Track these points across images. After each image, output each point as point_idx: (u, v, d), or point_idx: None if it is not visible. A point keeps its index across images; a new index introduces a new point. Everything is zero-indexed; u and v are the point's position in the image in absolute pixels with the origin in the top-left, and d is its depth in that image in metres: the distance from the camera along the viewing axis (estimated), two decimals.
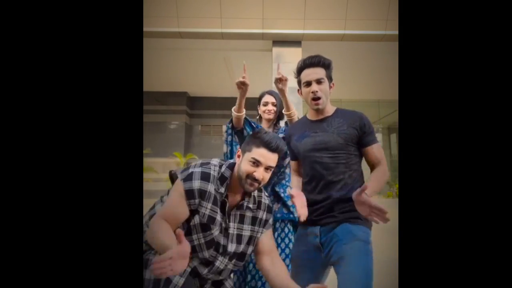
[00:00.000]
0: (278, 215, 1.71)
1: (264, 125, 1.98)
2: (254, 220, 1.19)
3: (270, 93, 1.97)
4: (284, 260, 1.58)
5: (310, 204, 1.27)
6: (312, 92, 1.31)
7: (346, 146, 1.27)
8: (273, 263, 1.16)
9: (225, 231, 1.13)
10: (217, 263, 1.12)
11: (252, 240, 1.18)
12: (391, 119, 8.94)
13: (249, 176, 1.09)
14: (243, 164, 1.11)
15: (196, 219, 1.06)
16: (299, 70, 1.38)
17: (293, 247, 1.34)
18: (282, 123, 1.97)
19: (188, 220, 1.06)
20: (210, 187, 1.09)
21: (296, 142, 1.37)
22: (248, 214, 1.18)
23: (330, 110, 1.38)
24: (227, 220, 1.13)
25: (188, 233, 1.06)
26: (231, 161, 1.18)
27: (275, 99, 1.94)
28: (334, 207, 1.22)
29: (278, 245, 1.65)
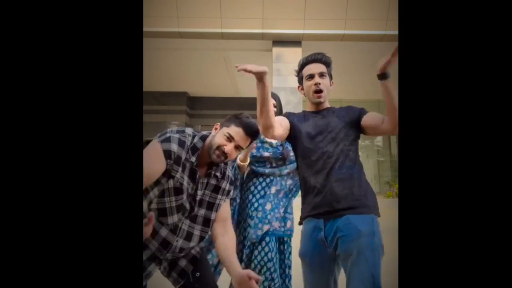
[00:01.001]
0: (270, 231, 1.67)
1: None
2: (217, 189, 1.27)
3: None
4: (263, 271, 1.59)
5: (311, 192, 1.28)
6: (315, 84, 1.35)
7: (344, 127, 1.31)
8: (226, 231, 1.27)
9: (191, 197, 1.21)
10: (183, 226, 1.21)
11: (214, 206, 1.27)
12: None
13: (219, 148, 1.16)
14: (218, 136, 1.19)
15: (170, 183, 1.13)
16: (301, 66, 1.41)
17: (301, 245, 1.31)
18: None
19: (156, 183, 1.13)
20: (184, 155, 1.16)
21: (297, 122, 1.38)
22: (213, 182, 1.26)
23: (327, 105, 1.42)
24: (196, 188, 1.21)
25: (161, 195, 1.14)
26: (204, 132, 1.25)
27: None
28: (334, 197, 1.20)
29: (261, 260, 1.63)
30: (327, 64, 1.41)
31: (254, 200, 1.73)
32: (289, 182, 1.83)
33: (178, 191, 1.16)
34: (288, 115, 1.45)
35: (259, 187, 1.79)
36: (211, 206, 1.26)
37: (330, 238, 1.19)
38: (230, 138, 1.18)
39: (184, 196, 1.17)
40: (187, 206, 1.20)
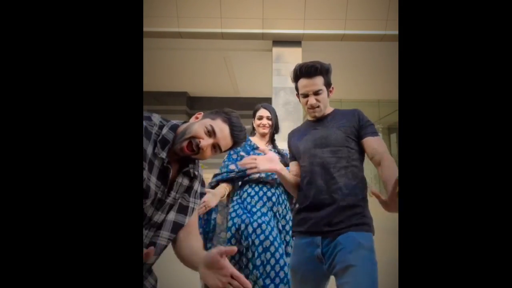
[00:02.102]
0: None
1: (258, 140, 1.91)
2: (189, 190, 1.05)
3: (265, 107, 1.92)
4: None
5: (310, 209, 1.23)
6: (310, 105, 1.29)
7: (346, 140, 1.25)
8: (190, 234, 1.03)
9: (158, 202, 0.95)
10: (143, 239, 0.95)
11: (188, 211, 1.03)
12: (391, 119, 8.94)
13: (194, 139, 0.95)
14: (197, 125, 0.98)
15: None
16: (295, 78, 1.34)
17: (292, 258, 1.29)
18: (279, 143, 1.95)
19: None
20: (150, 149, 0.92)
21: (297, 141, 1.36)
22: (185, 183, 1.03)
23: (328, 111, 1.37)
24: (169, 189, 0.97)
25: None
26: (174, 122, 1.04)
27: (270, 114, 1.90)
28: (335, 216, 1.17)
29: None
30: (324, 73, 1.30)
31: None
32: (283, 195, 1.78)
33: (145, 193, 0.90)
34: (290, 137, 1.43)
35: (256, 197, 1.71)
36: (184, 209, 1.02)
37: (328, 255, 1.17)
38: (211, 133, 0.97)
39: (148, 202, 0.91)
40: (150, 212, 0.94)
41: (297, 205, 1.34)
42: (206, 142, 0.96)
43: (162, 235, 0.96)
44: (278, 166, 1.32)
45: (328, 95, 1.35)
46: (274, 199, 1.73)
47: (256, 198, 1.71)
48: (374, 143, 1.23)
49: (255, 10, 4.90)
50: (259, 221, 1.62)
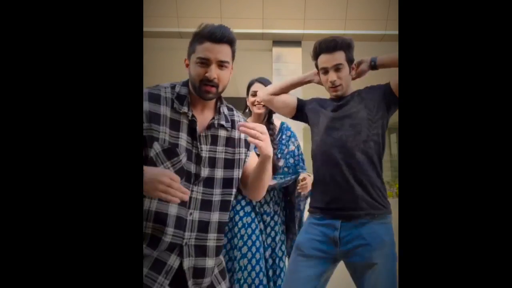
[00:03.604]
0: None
1: (253, 120, 1.63)
2: (230, 141, 1.02)
3: (260, 80, 1.64)
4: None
5: (324, 186, 1.20)
6: (330, 82, 1.23)
7: (369, 120, 1.22)
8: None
9: (196, 157, 0.96)
10: (195, 195, 0.94)
11: (236, 163, 1.02)
12: (391, 119, 8.91)
13: (202, 81, 0.93)
14: (192, 69, 0.96)
15: (157, 146, 0.90)
16: (315, 55, 1.27)
17: (302, 234, 1.24)
18: (276, 121, 1.68)
19: (146, 155, 0.90)
20: (164, 110, 0.93)
21: (315, 111, 1.29)
22: (222, 134, 1.01)
23: (350, 90, 1.31)
24: (199, 143, 0.96)
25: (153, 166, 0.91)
26: (184, 80, 1.04)
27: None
28: (351, 197, 1.14)
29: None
30: (345, 48, 1.24)
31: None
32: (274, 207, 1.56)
33: (170, 152, 0.91)
34: (310, 101, 1.34)
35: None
36: (231, 163, 1.01)
37: (345, 240, 1.14)
38: (204, 60, 0.93)
39: (182, 157, 0.92)
40: (192, 168, 0.94)
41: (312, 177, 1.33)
42: (210, 71, 0.93)
43: (215, 193, 0.98)
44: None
45: (350, 72, 1.28)
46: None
47: (239, 196, 1.55)
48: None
49: (255, 10, 4.90)
50: (240, 224, 1.50)
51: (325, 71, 1.25)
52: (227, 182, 1.00)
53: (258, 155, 0.98)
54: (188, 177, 0.94)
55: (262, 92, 1.42)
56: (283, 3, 4.84)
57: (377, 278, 1.08)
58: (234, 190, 1.03)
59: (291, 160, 1.62)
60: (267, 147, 0.91)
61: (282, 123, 1.68)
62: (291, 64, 4.91)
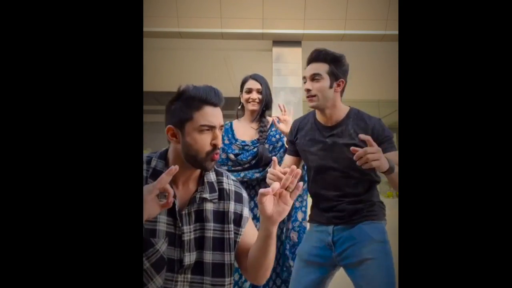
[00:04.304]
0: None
1: (246, 117, 1.62)
2: (219, 216, 0.87)
3: (255, 77, 1.60)
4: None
5: (321, 200, 1.24)
6: (305, 90, 1.20)
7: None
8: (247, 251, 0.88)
9: (178, 239, 0.84)
10: (180, 286, 0.82)
11: (226, 244, 0.86)
12: (391, 119, 8.92)
13: (209, 149, 0.84)
14: (191, 139, 0.83)
15: None
16: (306, 64, 1.27)
17: (302, 244, 1.29)
18: (269, 119, 1.64)
19: None
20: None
21: (303, 145, 1.25)
22: (209, 207, 0.87)
23: (340, 113, 1.22)
24: (180, 224, 0.84)
25: None
26: (159, 151, 0.92)
27: (261, 85, 1.58)
28: (346, 207, 1.18)
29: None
30: (329, 61, 1.20)
31: None
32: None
33: (144, 244, 0.79)
34: (296, 129, 1.30)
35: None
36: (220, 244, 0.86)
37: (338, 243, 1.18)
38: (209, 128, 0.84)
39: (162, 244, 0.81)
40: (176, 254, 0.83)
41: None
42: (217, 139, 0.84)
43: (205, 281, 0.84)
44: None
45: (332, 87, 1.20)
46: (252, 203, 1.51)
47: None
48: (393, 159, 1.09)
49: (255, 10, 4.90)
50: None
51: (305, 80, 1.24)
52: (218, 270, 0.85)
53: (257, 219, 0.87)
54: (170, 266, 0.82)
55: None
56: (283, 3, 4.84)
57: (368, 273, 1.11)
58: (227, 281, 0.85)
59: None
60: (269, 209, 0.75)
61: (273, 118, 1.64)
62: (291, 64, 4.91)
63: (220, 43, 5.30)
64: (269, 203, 0.76)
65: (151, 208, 0.74)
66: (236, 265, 0.91)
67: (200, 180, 0.90)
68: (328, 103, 1.20)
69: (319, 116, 1.27)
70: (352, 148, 0.94)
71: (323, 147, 1.22)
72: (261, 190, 0.74)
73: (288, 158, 1.36)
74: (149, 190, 0.74)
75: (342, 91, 1.25)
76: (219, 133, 0.86)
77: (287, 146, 1.43)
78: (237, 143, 1.56)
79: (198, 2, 4.81)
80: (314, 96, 1.20)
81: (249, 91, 1.58)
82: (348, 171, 1.18)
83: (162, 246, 0.82)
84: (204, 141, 0.84)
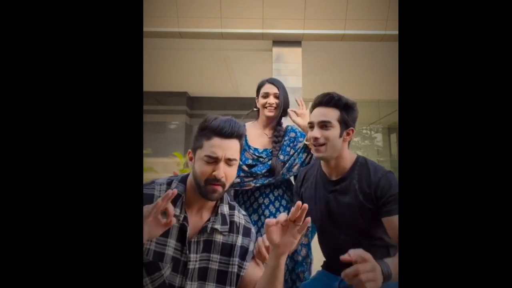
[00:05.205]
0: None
1: (261, 122, 1.55)
2: (226, 248, 0.89)
3: (272, 81, 1.52)
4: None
5: (329, 258, 1.18)
6: (312, 137, 1.08)
7: (361, 217, 1.05)
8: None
9: (183, 266, 0.84)
10: None
11: (229, 277, 0.87)
12: (391, 119, 8.92)
13: (208, 179, 0.85)
14: (197, 165, 0.87)
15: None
16: (312, 108, 1.15)
17: (310, 281, 1.25)
18: (284, 123, 1.58)
19: None
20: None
21: (308, 200, 1.17)
22: (218, 239, 0.89)
23: (346, 163, 1.11)
24: (187, 251, 0.85)
25: None
26: (183, 174, 0.95)
27: (278, 89, 1.49)
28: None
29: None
30: (341, 107, 1.07)
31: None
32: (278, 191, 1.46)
33: (151, 267, 0.80)
34: (303, 179, 1.22)
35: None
36: (224, 277, 0.86)
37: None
38: (211, 159, 0.85)
39: (167, 270, 0.82)
40: (177, 281, 0.83)
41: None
42: (218, 170, 0.85)
43: None
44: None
45: (342, 136, 1.07)
46: (260, 211, 1.45)
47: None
48: (392, 226, 0.99)
49: (255, 10, 4.90)
50: None
51: (311, 126, 1.10)
52: None
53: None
54: None
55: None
56: (283, 3, 4.84)
57: None
58: None
59: (304, 156, 1.51)
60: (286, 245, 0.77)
61: (287, 126, 1.58)
62: (291, 64, 4.91)
63: (220, 43, 5.30)
64: (275, 233, 0.78)
65: (152, 228, 0.75)
66: None
67: (214, 211, 0.92)
68: (335, 153, 1.09)
69: (324, 167, 1.16)
70: (341, 257, 0.79)
71: (325, 205, 1.12)
72: (267, 220, 0.76)
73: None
74: (148, 212, 0.75)
75: (350, 140, 1.13)
76: (221, 165, 0.85)
77: (301, 158, 1.39)
78: (250, 151, 1.49)
79: (198, 2, 4.81)
80: (323, 145, 1.07)
81: (266, 95, 1.50)
82: (354, 235, 1.06)
83: (167, 271, 0.83)
84: (204, 170, 0.85)
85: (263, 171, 1.44)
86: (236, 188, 1.46)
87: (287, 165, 1.48)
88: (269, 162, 1.44)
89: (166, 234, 0.84)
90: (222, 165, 0.85)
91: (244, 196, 1.50)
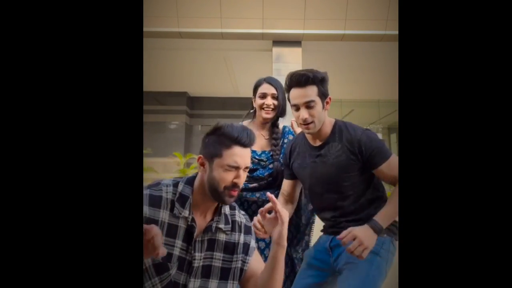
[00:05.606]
0: None
1: (257, 124, 1.49)
2: (229, 246, 0.93)
3: (269, 81, 1.46)
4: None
5: (321, 219, 1.28)
6: (301, 119, 1.14)
7: (347, 176, 1.14)
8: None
9: (187, 265, 0.88)
10: None
11: (232, 273, 0.92)
12: (391, 119, 8.93)
13: (227, 186, 0.88)
14: (217, 173, 0.88)
15: (148, 260, 0.83)
16: (287, 88, 1.19)
17: (310, 248, 1.33)
18: (281, 128, 1.54)
19: None
20: (162, 215, 0.87)
21: (298, 168, 1.26)
22: (221, 238, 0.93)
23: (326, 129, 1.19)
24: (192, 250, 0.88)
25: None
26: (188, 176, 0.97)
27: (276, 90, 1.43)
28: (346, 225, 1.15)
29: None
30: (317, 82, 1.13)
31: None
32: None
33: (161, 268, 0.83)
34: (291, 151, 1.29)
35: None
36: (226, 273, 0.91)
37: (335, 249, 1.20)
38: (232, 167, 0.88)
39: (173, 269, 0.85)
40: (182, 279, 0.87)
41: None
42: (241, 177, 0.89)
43: None
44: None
45: (324, 107, 1.17)
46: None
47: None
48: (387, 172, 1.10)
49: (255, 10, 4.90)
50: None
51: (297, 108, 1.15)
52: None
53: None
54: None
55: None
56: (283, 3, 4.85)
57: (344, 275, 1.10)
58: None
59: None
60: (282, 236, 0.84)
61: (284, 127, 1.56)
62: (291, 64, 4.91)
63: (220, 43, 5.30)
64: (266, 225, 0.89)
65: (149, 251, 0.75)
66: None
67: (217, 211, 0.96)
68: (321, 124, 1.17)
69: (308, 136, 1.24)
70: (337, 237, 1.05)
71: (313, 170, 1.20)
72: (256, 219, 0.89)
73: (286, 182, 1.34)
74: (150, 237, 0.74)
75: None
76: (242, 174, 0.90)
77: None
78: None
79: (198, 2, 4.81)
80: (311, 122, 1.14)
81: (263, 96, 1.43)
82: (342, 190, 1.16)
83: (173, 270, 0.86)
84: (224, 177, 0.88)
85: (265, 174, 1.43)
86: (241, 197, 1.42)
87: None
88: (270, 166, 1.43)
89: (174, 235, 0.87)
90: (242, 173, 0.90)
91: (241, 197, 1.48)
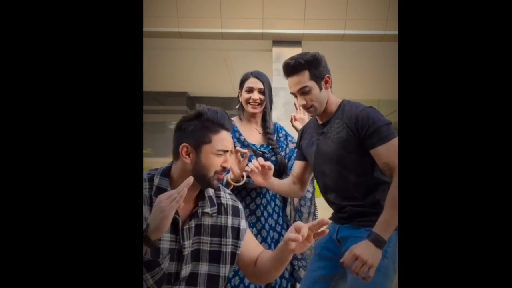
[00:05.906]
0: None
1: (248, 119, 1.46)
2: (216, 230, 0.92)
3: (256, 75, 1.42)
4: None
5: (327, 202, 1.25)
6: (301, 105, 1.16)
7: (348, 155, 1.12)
8: (260, 257, 0.94)
9: (177, 254, 0.88)
10: None
11: (223, 256, 0.91)
12: (391, 119, 8.92)
13: (217, 170, 0.89)
14: (207, 159, 0.87)
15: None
16: (285, 77, 1.19)
17: (319, 239, 1.31)
18: (271, 122, 1.51)
19: None
20: (144, 212, 0.85)
21: (306, 148, 1.27)
22: (207, 221, 0.92)
23: (332, 107, 1.19)
24: (181, 240, 0.88)
25: None
26: (161, 168, 0.95)
27: (263, 84, 1.40)
28: (349, 210, 1.15)
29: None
30: (308, 66, 1.11)
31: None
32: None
33: (151, 265, 0.81)
34: (302, 133, 1.31)
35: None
36: (217, 256, 0.91)
37: (343, 242, 1.17)
38: (223, 151, 0.89)
39: (165, 262, 0.84)
40: (173, 268, 0.87)
41: None
42: (229, 161, 0.90)
43: None
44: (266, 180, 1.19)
45: (322, 88, 1.15)
46: (258, 213, 1.40)
47: None
48: (383, 155, 1.05)
49: (255, 10, 4.90)
50: None
51: (295, 95, 1.17)
52: (212, 281, 0.90)
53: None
54: (168, 279, 0.85)
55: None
56: (283, 3, 4.85)
57: (354, 283, 1.08)
58: None
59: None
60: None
61: (274, 123, 1.54)
62: None
63: (220, 43, 5.30)
64: (299, 246, 0.82)
65: (167, 218, 0.76)
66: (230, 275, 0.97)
67: (200, 196, 0.94)
68: (324, 104, 1.18)
69: (317, 117, 1.26)
70: (341, 261, 0.99)
71: (317, 148, 1.20)
72: (291, 236, 0.78)
73: (297, 164, 1.34)
74: (172, 207, 0.76)
75: (331, 85, 1.20)
76: (229, 156, 0.91)
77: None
78: (253, 148, 1.43)
79: (198, 2, 4.81)
80: (311, 107, 1.15)
81: (250, 90, 1.40)
82: (343, 172, 1.13)
83: (165, 263, 0.85)
84: (215, 162, 0.89)
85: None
86: (239, 186, 1.38)
87: (290, 161, 1.48)
88: (273, 159, 1.42)
89: None
90: (228, 155, 0.91)
91: (237, 197, 1.47)
